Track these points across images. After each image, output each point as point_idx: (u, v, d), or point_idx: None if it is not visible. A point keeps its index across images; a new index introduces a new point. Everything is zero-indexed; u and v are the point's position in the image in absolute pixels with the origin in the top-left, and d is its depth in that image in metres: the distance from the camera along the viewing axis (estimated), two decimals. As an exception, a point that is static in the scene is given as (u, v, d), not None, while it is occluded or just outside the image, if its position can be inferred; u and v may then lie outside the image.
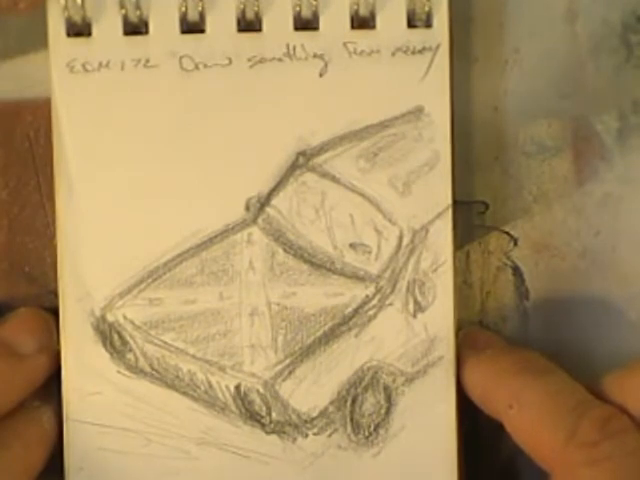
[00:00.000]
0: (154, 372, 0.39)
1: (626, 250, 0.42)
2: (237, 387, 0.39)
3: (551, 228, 0.41)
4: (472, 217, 0.41)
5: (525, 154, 0.41)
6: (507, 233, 0.41)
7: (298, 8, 0.38)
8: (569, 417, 0.36)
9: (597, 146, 0.41)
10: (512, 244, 0.41)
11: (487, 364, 0.39)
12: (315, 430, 0.39)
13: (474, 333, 0.41)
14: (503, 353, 0.40)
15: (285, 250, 0.39)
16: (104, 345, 0.39)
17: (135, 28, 0.38)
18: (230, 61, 0.38)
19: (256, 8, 0.38)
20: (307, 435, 0.39)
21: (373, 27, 0.38)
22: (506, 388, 0.38)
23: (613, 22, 0.41)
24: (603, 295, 0.42)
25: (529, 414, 0.37)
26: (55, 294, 0.39)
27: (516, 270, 0.42)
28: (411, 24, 0.39)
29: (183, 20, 0.38)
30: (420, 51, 0.38)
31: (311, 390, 0.39)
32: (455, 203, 0.39)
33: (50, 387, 0.39)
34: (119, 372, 0.39)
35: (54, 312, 0.39)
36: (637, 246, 0.42)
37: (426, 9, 0.38)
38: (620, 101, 0.41)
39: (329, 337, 0.39)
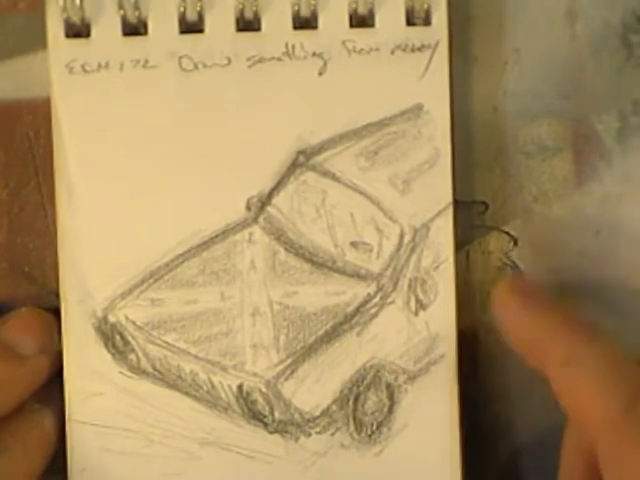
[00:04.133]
0: (156, 372, 0.39)
1: (626, 250, 0.42)
2: (239, 387, 0.39)
3: (551, 228, 0.41)
4: (472, 217, 0.41)
5: (525, 154, 0.41)
6: (507, 233, 0.41)
7: (297, 7, 0.38)
8: (629, 387, 0.34)
9: (597, 146, 0.41)
10: (512, 244, 0.41)
11: (541, 313, 0.37)
12: (318, 429, 0.39)
13: (521, 278, 0.40)
14: (557, 305, 0.38)
15: (286, 249, 0.39)
16: (106, 346, 0.39)
17: (134, 29, 0.38)
18: (229, 61, 0.38)
19: (255, 8, 0.38)
20: (310, 434, 0.40)
21: (372, 25, 0.38)
22: (564, 342, 0.36)
23: (613, 22, 0.41)
24: (603, 295, 0.42)
25: (586, 375, 0.35)
26: (55, 294, 0.39)
27: (516, 270, 0.42)
28: (410, 22, 0.39)
29: (182, 20, 0.38)
30: (419, 49, 0.38)
31: (313, 389, 0.39)
32: (455, 203, 0.39)
33: (51, 389, 0.39)
34: (121, 373, 0.39)
35: (54, 312, 0.39)
36: (637, 246, 0.41)
37: (425, 7, 0.38)
38: (620, 101, 0.41)
39: (331, 336, 0.39)
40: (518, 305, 0.38)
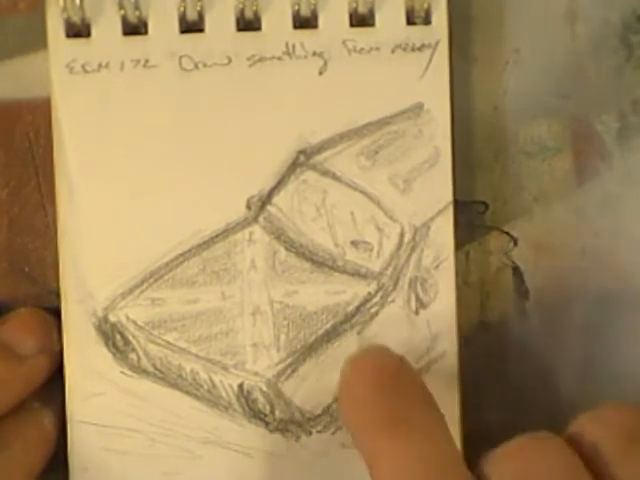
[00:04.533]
0: (157, 372, 0.39)
1: (626, 250, 0.42)
2: (240, 386, 0.39)
3: (551, 228, 0.41)
4: (472, 217, 0.41)
5: (525, 154, 0.41)
6: (507, 233, 0.41)
7: (297, 7, 0.38)
8: None
9: (597, 146, 0.41)
10: (512, 244, 0.41)
11: (355, 404, 0.36)
12: (319, 428, 0.40)
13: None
14: (381, 395, 0.36)
15: (287, 248, 0.39)
16: (107, 345, 0.39)
17: (134, 28, 0.38)
18: (229, 60, 0.38)
19: (255, 7, 0.38)
20: (311, 433, 0.40)
21: (372, 25, 0.38)
22: (368, 446, 0.35)
23: (613, 22, 0.41)
24: (603, 295, 0.42)
25: None
26: (55, 294, 0.39)
27: (516, 270, 0.42)
28: (410, 21, 0.39)
29: (182, 20, 0.38)
30: (419, 48, 0.38)
31: (314, 388, 0.39)
32: (455, 203, 0.39)
33: (51, 388, 0.39)
34: (122, 372, 0.39)
35: (54, 312, 0.39)
36: (637, 246, 0.42)
37: (425, 6, 0.38)
38: (620, 101, 0.41)
39: (331, 335, 0.39)
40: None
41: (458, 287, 0.40)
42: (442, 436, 0.35)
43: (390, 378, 0.36)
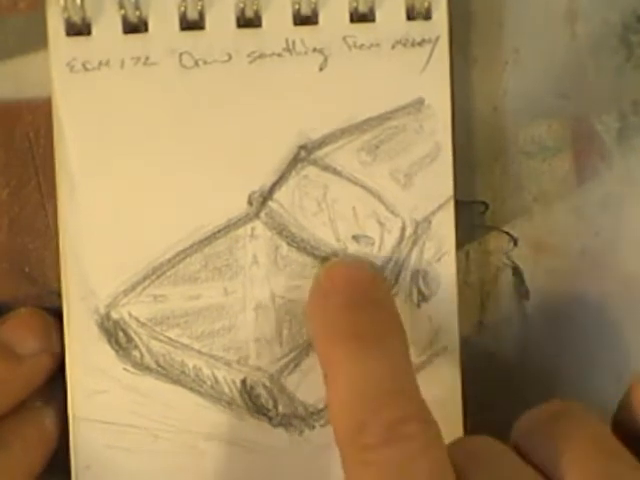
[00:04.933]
0: (160, 368, 0.39)
1: (626, 250, 0.42)
2: (243, 381, 0.39)
3: (551, 228, 0.42)
4: (472, 217, 0.41)
5: (525, 154, 0.41)
6: (507, 233, 0.41)
7: (297, 3, 0.38)
8: (365, 410, 0.34)
9: (597, 146, 0.41)
10: (512, 244, 0.41)
11: (323, 313, 0.37)
12: (322, 422, 0.40)
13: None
14: (347, 307, 0.37)
15: (288, 243, 0.39)
16: (109, 343, 0.39)
17: (134, 27, 0.38)
18: (230, 57, 0.38)
19: (256, 6, 0.38)
20: (314, 427, 0.40)
21: (372, 20, 0.39)
22: (326, 352, 0.36)
23: (613, 22, 0.41)
24: (603, 295, 0.42)
25: (333, 392, 0.35)
26: (56, 294, 0.39)
27: (516, 270, 0.42)
28: (410, 17, 0.39)
29: (182, 17, 0.38)
30: (420, 43, 0.39)
31: (317, 382, 0.39)
32: (455, 203, 0.40)
33: (52, 388, 0.39)
34: (125, 369, 0.39)
35: (55, 312, 0.39)
36: (637, 246, 0.42)
37: (425, 4, 0.38)
38: (620, 101, 0.41)
39: (334, 329, 0.39)
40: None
41: (458, 287, 0.40)
42: (401, 358, 0.36)
43: (360, 291, 0.37)
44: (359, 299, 0.37)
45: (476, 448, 0.36)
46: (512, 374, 0.42)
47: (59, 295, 0.39)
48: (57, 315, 0.39)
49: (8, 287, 0.40)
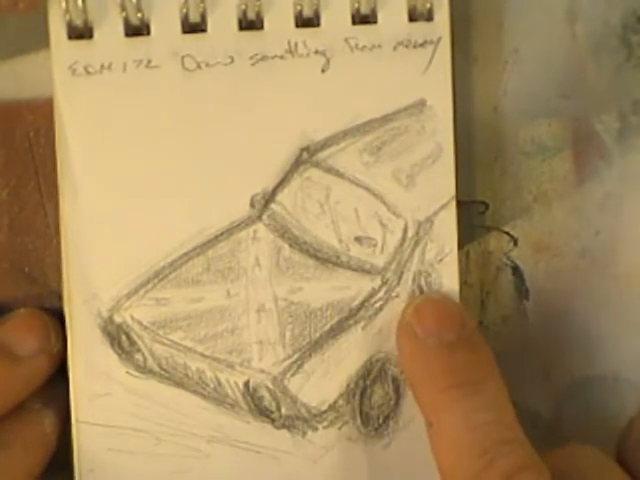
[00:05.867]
0: (163, 371, 0.39)
1: (626, 250, 0.42)
2: (246, 383, 0.39)
3: (551, 228, 0.42)
4: (472, 217, 0.41)
5: (525, 154, 0.41)
6: (507, 233, 0.41)
7: (299, 6, 0.38)
8: (477, 461, 0.34)
9: (597, 146, 0.41)
10: (512, 244, 0.42)
11: (420, 358, 0.37)
12: (325, 423, 0.40)
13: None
14: (441, 349, 0.37)
15: (291, 246, 0.39)
16: (112, 346, 0.39)
17: (136, 30, 0.38)
18: (232, 60, 0.38)
19: (257, 8, 0.38)
20: (317, 429, 0.40)
21: (374, 22, 0.39)
22: (429, 401, 0.36)
23: (613, 22, 0.41)
24: (603, 295, 0.42)
25: (443, 441, 0.35)
26: (56, 294, 0.39)
27: (516, 270, 0.42)
28: (412, 18, 0.39)
29: (184, 20, 0.38)
30: (421, 45, 0.39)
31: (320, 384, 0.39)
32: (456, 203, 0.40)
33: (52, 389, 0.39)
34: (128, 373, 0.39)
35: (54, 313, 0.39)
36: (637, 246, 0.42)
37: (427, 6, 0.39)
38: (620, 101, 0.41)
39: (336, 331, 0.40)
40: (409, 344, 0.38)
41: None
42: (504, 400, 0.36)
43: (453, 331, 0.37)
44: (453, 340, 0.37)
45: (583, 463, 0.36)
46: (512, 374, 0.42)
47: (59, 295, 0.39)
48: (57, 315, 0.39)
49: (8, 287, 0.40)
